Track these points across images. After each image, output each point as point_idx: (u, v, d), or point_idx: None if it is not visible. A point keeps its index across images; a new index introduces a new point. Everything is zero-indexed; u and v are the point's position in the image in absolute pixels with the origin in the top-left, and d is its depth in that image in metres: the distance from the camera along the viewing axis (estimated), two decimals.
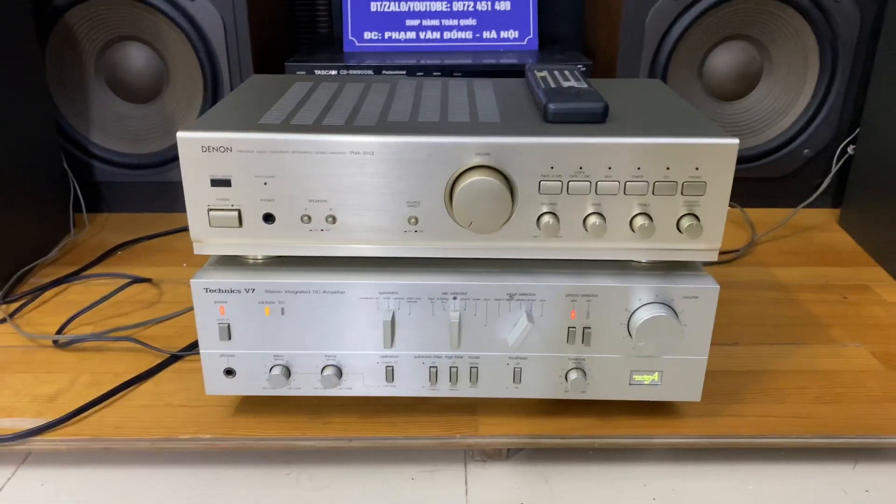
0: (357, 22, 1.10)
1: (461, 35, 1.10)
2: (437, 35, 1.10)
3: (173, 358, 0.72)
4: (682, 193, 0.56)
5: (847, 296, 0.86)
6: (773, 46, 1.04)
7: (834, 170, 1.05)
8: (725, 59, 1.05)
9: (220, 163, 0.56)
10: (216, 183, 0.57)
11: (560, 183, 0.56)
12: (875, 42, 0.99)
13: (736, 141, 0.55)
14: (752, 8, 1.01)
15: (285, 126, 0.57)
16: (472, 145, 0.55)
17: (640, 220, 0.56)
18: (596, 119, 0.58)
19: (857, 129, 1.02)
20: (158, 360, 0.72)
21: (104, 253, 0.94)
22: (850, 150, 1.03)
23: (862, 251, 0.97)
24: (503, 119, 0.60)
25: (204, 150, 0.56)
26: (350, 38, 1.09)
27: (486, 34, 1.10)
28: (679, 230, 0.57)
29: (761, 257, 0.95)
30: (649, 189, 0.56)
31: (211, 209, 0.57)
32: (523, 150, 0.55)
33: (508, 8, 1.10)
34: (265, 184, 0.56)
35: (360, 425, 0.63)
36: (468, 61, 1.02)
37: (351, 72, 1.00)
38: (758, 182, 1.09)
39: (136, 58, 1.03)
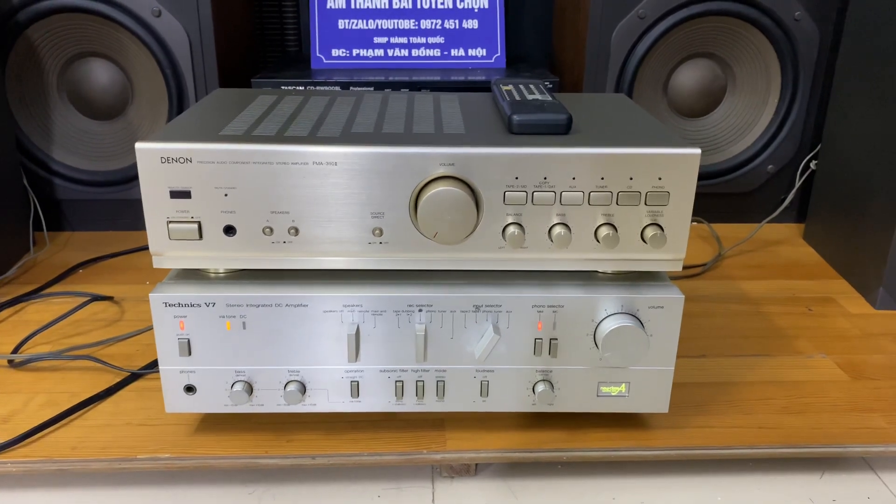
0: (325, 39, 1.09)
1: (429, 52, 1.10)
2: (405, 52, 1.10)
3: (133, 376, 0.70)
4: (645, 203, 0.56)
5: (812, 308, 0.86)
6: (737, 64, 1.06)
7: (798, 184, 1.06)
8: (690, 77, 1.07)
9: (179, 174, 0.55)
10: (175, 195, 0.55)
11: (525, 193, 0.56)
12: (834, 59, 1.02)
13: (698, 151, 0.56)
14: (715, 26, 1.03)
15: (247, 137, 0.56)
16: (437, 155, 0.55)
17: (604, 230, 0.56)
18: (559, 130, 0.59)
19: (819, 145, 1.03)
20: (118, 379, 0.70)
21: (64, 271, 0.92)
22: (812, 164, 1.05)
23: (826, 264, 0.98)
24: (468, 130, 0.60)
25: (163, 160, 0.55)
26: (318, 55, 1.09)
27: (454, 52, 1.11)
28: (643, 240, 0.57)
29: (728, 271, 0.96)
30: (613, 199, 0.56)
31: (170, 221, 0.56)
32: (488, 160, 0.55)
33: (476, 26, 1.11)
34: (226, 195, 0.55)
35: (325, 442, 0.62)
36: (436, 78, 1.03)
37: (318, 88, 1.00)
38: (723, 197, 1.10)
39: (99, 74, 1.02)
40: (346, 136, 0.57)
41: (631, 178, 0.56)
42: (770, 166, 1.08)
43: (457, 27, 1.10)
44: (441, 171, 0.55)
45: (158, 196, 0.55)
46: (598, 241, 0.57)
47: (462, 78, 1.04)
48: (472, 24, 1.11)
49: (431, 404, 0.61)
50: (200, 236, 0.56)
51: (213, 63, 0.98)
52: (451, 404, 0.61)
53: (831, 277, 0.95)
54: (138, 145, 0.54)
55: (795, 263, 0.99)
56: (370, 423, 0.64)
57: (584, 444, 0.62)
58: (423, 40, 1.10)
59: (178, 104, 1.00)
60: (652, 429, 0.64)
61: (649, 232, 0.57)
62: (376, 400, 0.61)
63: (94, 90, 1.02)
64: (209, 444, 0.61)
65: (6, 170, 0.95)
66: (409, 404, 0.61)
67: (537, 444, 0.62)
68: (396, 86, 1.01)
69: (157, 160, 0.54)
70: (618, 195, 0.56)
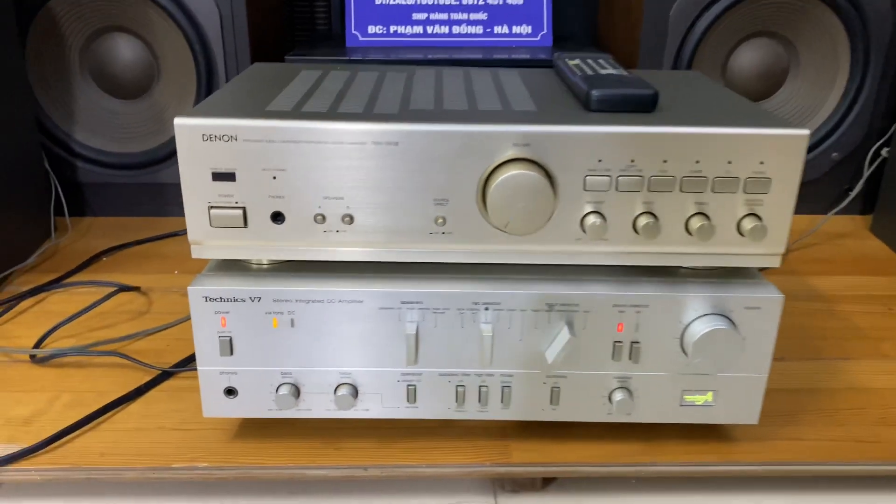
0: (361, 15, 1.03)
1: (471, 30, 1.04)
2: (445, 29, 1.04)
3: (164, 374, 0.65)
4: (744, 191, 0.50)
5: (892, 307, 0.80)
6: (801, 44, 0.99)
7: (866, 174, 0.99)
8: (750, 57, 1.00)
9: (223, 154, 0.49)
10: (219, 177, 0.50)
11: (608, 178, 0.50)
12: None
13: (806, 132, 0.49)
14: (779, 3, 0.96)
15: (297, 113, 0.50)
16: (510, 135, 0.49)
17: (697, 221, 0.50)
18: (645, 108, 0.52)
19: (891, 131, 0.96)
20: (148, 377, 0.64)
21: (88, 259, 0.86)
22: (883, 152, 0.98)
23: None
24: (540, 108, 0.53)
25: (205, 138, 0.49)
26: (353, 32, 1.03)
27: (497, 29, 1.04)
28: (740, 232, 0.51)
29: (793, 265, 0.89)
30: (708, 186, 0.50)
31: (212, 207, 0.50)
32: (568, 140, 0.49)
33: (521, 2, 1.04)
34: (274, 178, 0.50)
35: (377, 451, 0.56)
36: (478, 56, 0.96)
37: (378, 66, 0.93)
38: None
39: (123, 50, 0.96)
40: (407, 113, 0.51)
41: (729, 162, 0.49)
42: (834, 154, 1.01)
43: (501, 2, 1.04)
44: (513, 153, 0.49)
45: (199, 178, 0.50)
46: (689, 232, 0.51)
47: (505, 56, 0.97)
48: None
49: (496, 412, 0.55)
50: (245, 223, 0.51)
51: (244, 39, 0.92)
52: (518, 412, 0.55)
53: None
54: (178, 120, 0.48)
55: (865, 258, 0.92)
56: (426, 430, 0.58)
57: (664, 457, 0.56)
58: (464, 16, 1.04)
59: (207, 83, 0.94)
60: (737, 441, 0.58)
61: (748, 223, 0.50)
62: (435, 406, 0.55)
63: (119, 67, 0.96)
64: (251, 452, 0.56)
65: (26, 151, 0.89)
66: (471, 411, 0.55)
67: (611, 458, 0.56)
68: (437, 64, 0.94)
69: (198, 137, 0.49)
70: (713, 181, 0.50)
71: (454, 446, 0.57)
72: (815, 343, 0.72)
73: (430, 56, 0.96)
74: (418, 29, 1.04)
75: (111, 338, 0.70)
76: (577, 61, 0.63)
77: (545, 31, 1.04)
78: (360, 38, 1.03)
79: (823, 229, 0.99)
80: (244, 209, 0.50)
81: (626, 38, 1.02)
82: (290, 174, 0.49)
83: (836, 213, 1.00)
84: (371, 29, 1.03)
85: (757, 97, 1.02)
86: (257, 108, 0.51)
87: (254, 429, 0.58)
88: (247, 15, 0.91)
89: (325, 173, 0.49)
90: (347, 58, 0.95)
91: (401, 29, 1.03)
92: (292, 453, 0.56)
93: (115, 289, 0.79)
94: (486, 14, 1.04)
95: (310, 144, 0.49)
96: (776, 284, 0.53)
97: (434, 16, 1.04)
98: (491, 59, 0.96)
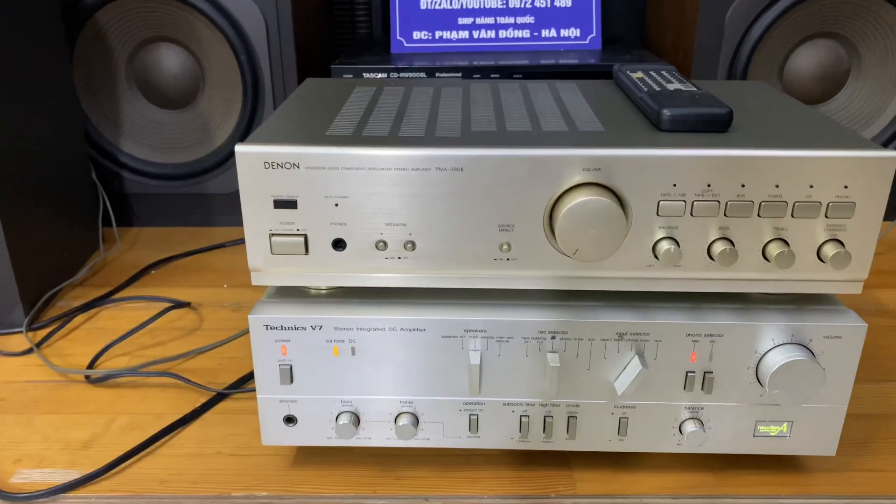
0: (406, 21, 1.02)
1: (518, 34, 1.02)
2: (491, 34, 1.02)
3: (219, 396, 0.64)
4: (826, 216, 0.48)
5: None
6: (863, 44, 0.95)
7: None
8: (810, 59, 0.96)
9: (285, 181, 0.48)
10: (280, 204, 0.49)
11: (683, 203, 0.47)
12: None
13: (895, 154, 0.47)
14: (841, 3, 0.92)
15: (359, 138, 0.49)
16: (580, 159, 0.47)
17: (776, 247, 0.48)
18: (720, 127, 0.50)
19: None
20: (202, 399, 0.64)
21: (137, 273, 0.86)
22: None
23: None
24: (607, 128, 0.51)
25: (267, 166, 0.48)
26: (398, 38, 1.01)
27: (544, 32, 1.02)
28: (821, 259, 0.48)
29: None
30: (788, 210, 0.47)
31: (273, 234, 0.49)
32: (641, 163, 0.47)
33: (569, 4, 1.01)
34: (336, 205, 0.48)
35: (438, 481, 0.55)
36: (526, 62, 0.94)
37: (401, 74, 0.92)
38: None
39: (169, 60, 0.95)
40: (469, 137, 0.49)
41: (811, 186, 0.47)
42: None
43: (548, 5, 1.01)
44: (583, 178, 0.47)
45: (261, 206, 0.48)
46: (767, 259, 0.48)
47: (553, 61, 0.95)
48: (564, 1, 1.01)
49: (560, 442, 0.54)
50: (307, 251, 0.50)
51: (290, 48, 0.91)
52: (583, 443, 0.54)
53: None
54: (239, 148, 0.47)
55: None
56: (486, 458, 0.57)
57: (736, 489, 0.54)
58: (511, 20, 1.02)
59: (252, 92, 0.93)
60: (812, 472, 0.56)
61: (829, 249, 0.48)
62: (497, 436, 0.54)
63: (164, 77, 0.96)
64: (311, 481, 0.55)
65: (75, 163, 0.89)
66: (535, 441, 0.54)
67: (680, 489, 0.54)
68: (484, 71, 0.93)
69: (259, 165, 0.48)
70: (794, 206, 0.47)
71: (516, 476, 0.55)
72: (887, 363, 0.69)
73: (476, 62, 0.94)
74: (464, 34, 1.02)
75: (164, 357, 0.70)
76: (640, 74, 0.61)
77: (594, 34, 1.02)
78: (406, 45, 1.02)
79: (888, 238, 0.96)
80: (305, 236, 0.49)
81: (679, 40, 0.99)
82: (352, 201, 0.48)
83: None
84: (416, 35, 1.02)
85: (815, 101, 0.98)
86: (318, 133, 0.50)
87: (311, 455, 0.57)
88: (293, 22, 0.90)
89: (387, 199, 0.48)
90: (394, 65, 0.94)
91: (446, 34, 1.02)
92: (351, 482, 0.55)
93: (170, 306, 0.78)
94: (532, 17, 1.02)
95: (372, 171, 0.47)
96: (842, 298, 0.51)
97: (480, 20, 1.02)
98: (539, 65, 0.94)
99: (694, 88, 0.55)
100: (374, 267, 0.50)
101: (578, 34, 1.02)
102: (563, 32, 1.02)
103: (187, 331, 0.75)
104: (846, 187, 0.47)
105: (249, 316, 0.51)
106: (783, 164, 0.46)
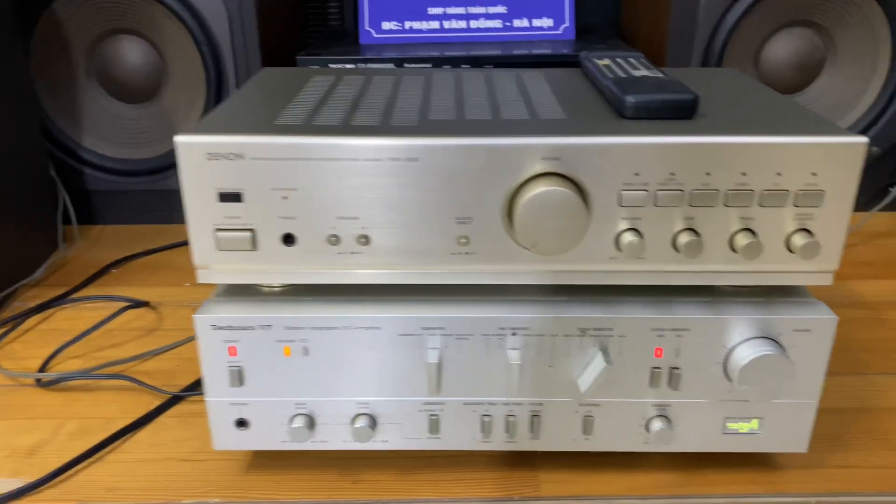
0: (375, 11, 0.99)
1: (489, 24, 1.00)
2: (462, 24, 1.00)
3: (175, 399, 0.62)
4: (794, 205, 0.46)
5: None
6: (839, 33, 0.93)
7: None
8: (785, 48, 0.94)
9: (229, 173, 0.46)
10: (225, 198, 0.46)
11: (646, 193, 0.46)
12: None
13: (865, 140, 0.45)
14: None
15: (309, 127, 0.47)
16: (539, 148, 0.45)
17: (744, 238, 0.46)
18: (685, 114, 0.48)
19: None
20: (158, 402, 0.62)
21: (96, 272, 0.84)
22: None
23: None
24: (569, 116, 0.49)
25: (210, 157, 0.45)
26: (367, 28, 0.99)
27: (516, 22, 1.00)
28: (789, 249, 0.47)
29: None
30: (755, 199, 0.46)
31: (219, 229, 0.47)
32: (602, 152, 0.45)
33: None
34: (284, 198, 0.46)
35: (398, 484, 0.53)
36: (498, 52, 0.92)
37: (370, 65, 0.90)
38: None
39: (131, 53, 0.93)
40: (426, 125, 0.47)
41: (779, 174, 0.45)
42: (874, 148, 0.96)
43: None
44: (542, 167, 0.45)
45: (204, 199, 0.46)
46: (734, 250, 0.47)
47: (525, 52, 0.93)
48: None
49: (524, 442, 0.52)
50: (254, 246, 0.47)
51: (254, 39, 0.89)
52: (548, 442, 0.52)
53: None
54: (179, 139, 0.45)
55: None
56: (449, 459, 0.55)
57: (706, 488, 0.52)
58: (482, 10, 0.99)
59: (216, 85, 0.91)
60: (783, 469, 0.54)
61: (799, 239, 0.46)
62: (459, 437, 0.52)
63: (126, 71, 0.93)
64: (264, 486, 0.53)
65: (32, 159, 0.86)
66: (498, 442, 0.52)
67: (648, 489, 0.52)
68: (454, 61, 0.91)
69: (201, 156, 0.45)
70: (761, 194, 0.46)
71: (479, 478, 0.53)
72: (861, 356, 0.68)
73: (447, 53, 0.92)
74: (434, 24, 1.00)
75: (119, 358, 0.67)
76: (606, 61, 0.59)
77: (567, 23, 1.00)
78: (375, 35, 0.99)
79: (864, 228, 0.94)
80: (253, 231, 0.47)
81: (653, 29, 0.98)
82: (302, 193, 0.46)
83: (878, 211, 0.95)
84: (385, 25, 0.99)
85: (791, 90, 0.97)
86: (265, 122, 0.48)
87: (267, 459, 0.55)
88: (256, 14, 0.88)
89: (338, 192, 0.46)
90: (362, 56, 0.91)
91: (416, 24, 0.99)
92: (308, 486, 0.53)
93: (126, 305, 0.76)
94: (504, 7, 0.99)
95: (322, 162, 0.45)
96: (816, 290, 0.50)
97: (450, 10, 1.00)
98: (511, 55, 0.92)
99: (660, 75, 0.53)
100: (327, 263, 0.48)
101: (551, 24, 1.00)
102: (536, 22, 1.00)
103: (145, 331, 0.73)
104: (815, 175, 0.45)
105: (194, 315, 0.48)
106: (749, 151, 0.45)
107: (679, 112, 0.48)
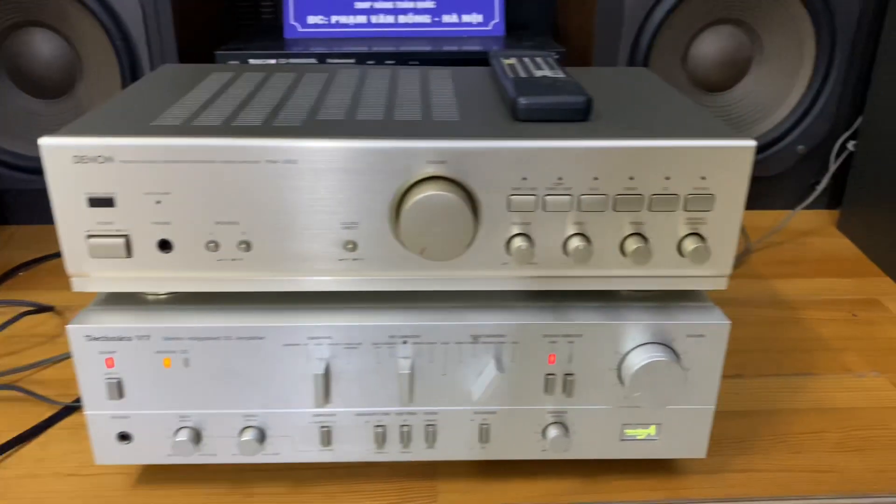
0: (300, 4, 0.97)
1: (418, 19, 0.98)
2: (390, 19, 0.98)
3: (67, 410, 0.59)
4: (684, 209, 0.45)
5: (857, 313, 0.76)
6: (765, 31, 0.94)
7: (832, 168, 0.95)
8: (712, 46, 0.94)
9: (99, 177, 0.43)
10: (96, 203, 0.44)
11: (534, 197, 0.44)
12: (879, 25, 0.90)
13: (753, 143, 0.44)
14: None
15: (184, 128, 0.45)
16: (424, 151, 0.43)
17: (633, 242, 0.45)
18: (577, 116, 0.47)
19: (858, 122, 0.92)
20: (50, 413, 0.59)
21: (2, 275, 0.80)
22: (849, 145, 0.93)
23: (866, 259, 0.87)
24: (463, 117, 0.48)
25: (77, 160, 0.43)
26: (292, 22, 0.97)
27: (445, 18, 0.98)
28: (681, 254, 0.46)
29: (756, 268, 0.85)
30: (645, 204, 0.45)
31: (91, 235, 0.45)
32: (489, 156, 0.43)
33: None
34: (158, 202, 0.44)
35: (292, 497, 0.51)
36: (426, 48, 0.90)
37: (291, 60, 0.88)
38: None
39: (42, 46, 0.89)
40: (310, 126, 0.45)
41: (668, 178, 0.44)
42: (800, 146, 0.96)
43: None
44: (430, 171, 0.44)
45: (74, 204, 0.44)
46: (624, 255, 0.46)
47: (455, 48, 0.91)
48: None
49: (420, 452, 0.50)
50: (129, 253, 0.45)
51: (170, 33, 0.86)
52: (444, 452, 0.50)
53: (874, 275, 0.84)
54: (42, 141, 0.43)
55: (831, 258, 0.88)
56: (346, 470, 0.53)
57: (604, 496, 0.52)
58: (411, 4, 0.98)
59: (132, 80, 0.87)
60: (684, 475, 0.54)
61: (689, 244, 0.45)
62: (352, 448, 0.50)
63: (37, 65, 0.89)
64: (152, 501, 0.51)
65: None
66: (393, 453, 0.50)
67: (547, 497, 0.52)
68: (380, 57, 0.89)
69: (68, 160, 0.43)
70: (650, 199, 0.45)
71: (376, 489, 0.52)
72: (776, 357, 0.68)
73: (374, 48, 0.90)
74: (362, 19, 0.97)
75: (14, 367, 0.64)
76: (512, 60, 0.58)
77: (497, 19, 0.99)
78: (300, 29, 0.97)
79: (789, 226, 0.95)
80: (127, 237, 0.45)
81: (581, 28, 0.97)
82: (176, 197, 0.44)
83: (803, 209, 0.96)
84: (311, 19, 0.97)
85: (719, 88, 0.97)
86: (140, 123, 0.45)
87: (157, 473, 0.53)
88: (171, 7, 0.85)
89: (215, 196, 0.44)
90: (284, 51, 0.89)
91: (343, 19, 0.97)
92: (199, 500, 0.51)
93: (24, 311, 0.73)
94: (433, 2, 0.98)
95: (197, 164, 0.43)
96: (738, 290, 0.49)
97: (378, 4, 0.98)
98: (441, 51, 0.90)
99: (562, 75, 0.52)
100: (207, 270, 0.46)
101: (481, 20, 0.99)
102: (465, 18, 0.99)
103: (47, 338, 0.70)
104: (704, 178, 0.45)
105: (68, 326, 0.46)
106: (635, 154, 0.44)
107: (572, 114, 0.47)
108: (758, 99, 0.97)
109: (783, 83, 0.96)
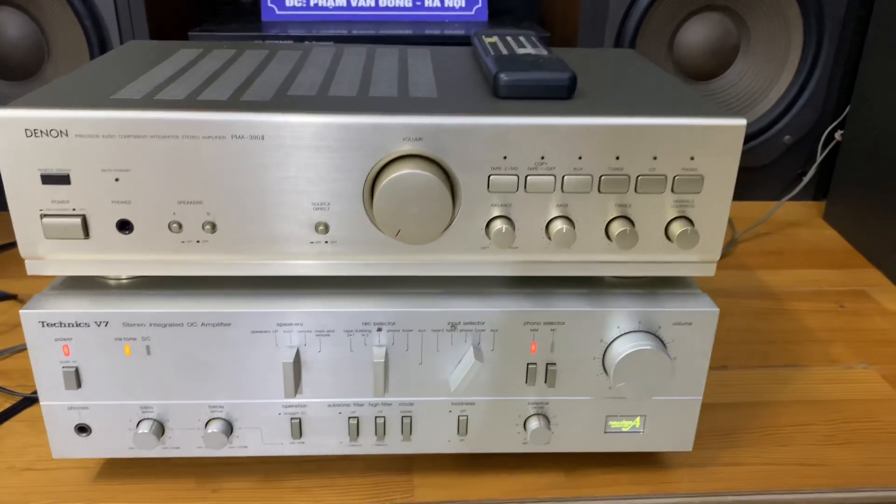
0: None
1: (399, 2, 0.95)
2: (371, 2, 0.95)
3: (27, 401, 0.57)
4: (672, 191, 0.43)
5: (844, 304, 0.74)
6: (752, 19, 0.92)
7: (819, 158, 0.93)
8: (699, 33, 0.93)
9: (53, 152, 0.41)
10: (49, 179, 0.41)
11: (515, 177, 0.42)
12: (867, 14, 0.88)
13: (743, 122, 0.42)
14: None
15: (145, 101, 0.42)
16: (399, 127, 0.41)
17: (618, 225, 0.43)
18: (560, 93, 0.45)
19: (846, 112, 0.91)
20: (8, 404, 0.56)
21: None
22: (837, 135, 0.92)
23: (853, 250, 0.86)
24: (441, 94, 0.46)
25: (29, 133, 0.40)
26: (269, 5, 0.94)
27: (427, 2, 0.96)
28: (668, 238, 0.44)
29: (743, 259, 0.84)
30: (631, 185, 0.43)
31: (45, 215, 0.42)
32: (467, 133, 0.41)
33: None
34: (117, 180, 0.41)
35: (261, 492, 0.49)
36: (408, 32, 0.88)
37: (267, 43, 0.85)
38: None
39: (8, 26, 0.86)
40: (279, 101, 0.43)
41: (654, 158, 0.42)
42: (787, 137, 0.95)
43: None
44: (405, 149, 0.42)
45: (26, 181, 0.41)
46: (609, 239, 0.44)
47: (437, 32, 0.89)
48: None
49: (395, 445, 0.48)
50: (86, 234, 0.43)
51: (141, 13, 0.83)
52: (421, 445, 0.48)
53: (860, 266, 0.82)
54: None
55: (818, 249, 0.87)
56: (319, 464, 0.51)
57: (587, 490, 0.50)
58: None
59: None
60: (669, 468, 0.52)
61: (677, 227, 0.43)
62: (325, 441, 0.48)
63: (4, 45, 0.86)
64: (113, 496, 0.48)
65: None
66: (367, 445, 0.48)
67: (528, 492, 0.50)
68: (358, 41, 0.86)
69: (20, 133, 0.40)
70: (637, 180, 0.43)
71: (350, 484, 0.50)
72: (762, 348, 0.66)
73: (354, 32, 0.88)
74: (341, 1, 0.95)
75: None
76: (494, 39, 0.56)
77: (480, 4, 0.96)
78: (277, 12, 0.94)
79: (775, 217, 0.94)
80: (84, 217, 0.42)
81: (566, 14, 0.95)
82: (136, 175, 0.41)
83: (789, 200, 0.95)
84: (289, 1, 0.94)
85: (705, 76, 0.95)
86: (100, 96, 0.43)
87: (118, 467, 0.50)
88: None
89: (178, 174, 0.41)
90: (261, 33, 0.86)
91: (322, 1, 0.95)
92: (161, 496, 0.48)
93: None
94: None
95: (158, 140, 0.41)
96: (724, 281, 0.47)
97: None
98: (422, 35, 0.88)
99: (544, 53, 0.50)
100: (168, 252, 0.43)
101: (463, 4, 0.96)
102: (448, 2, 0.96)
103: (9, 326, 0.67)
104: (692, 159, 0.43)
105: (21, 311, 0.43)
106: (622, 133, 0.42)
107: (555, 91, 0.45)
108: (744, 88, 0.95)
109: (770, 72, 0.94)
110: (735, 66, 0.95)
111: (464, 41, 0.88)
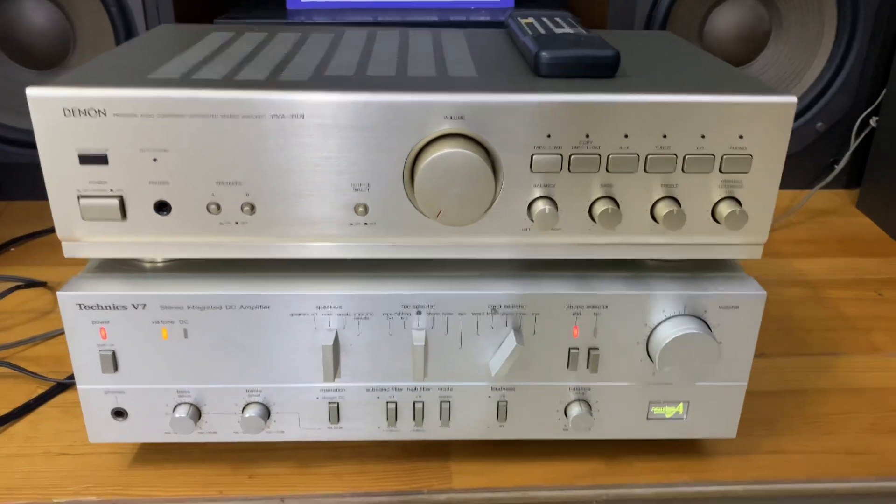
0: None
1: None
2: None
3: (59, 387, 0.56)
4: (720, 170, 0.42)
5: (882, 292, 0.73)
6: (784, 4, 0.90)
7: (853, 145, 0.92)
8: (730, 18, 0.91)
9: (91, 131, 0.40)
10: (87, 160, 0.41)
11: (559, 157, 0.41)
12: None
13: (793, 99, 0.41)
14: None
15: (183, 81, 0.41)
16: (441, 105, 0.40)
17: (665, 206, 0.42)
18: (604, 72, 0.44)
19: (880, 98, 0.89)
20: (41, 390, 0.56)
21: None
22: (872, 122, 0.90)
23: (889, 239, 0.84)
24: (481, 73, 0.45)
25: (67, 113, 0.40)
26: None
27: None
28: (716, 219, 0.43)
29: (775, 247, 0.82)
30: (678, 164, 0.42)
31: (82, 196, 0.42)
32: (510, 111, 0.40)
33: None
34: (155, 160, 0.41)
35: (297, 478, 0.48)
36: (434, 18, 0.87)
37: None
38: None
39: (34, 15, 0.85)
40: (318, 80, 0.42)
41: (703, 137, 0.41)
42: (819, 123, 0.93)
43: None
44: (446, 128, 0.41)
45: (64, 161, 0.41)
46: (655, 220, 0.43)
47: (464, 18, 0.88)
48: None
49: (433, 431, 0.48)
50: (124, 216, 0.42)
51: (168, 1, 0.82)
52: (459, 431, 0.48)
53: None
54: (31, 91, 0.40)
55: (852, 237, 0.85)
56: (355, 450, 0.51)
57: (628, 478, 0.49)
58: None
59: None
60: (712, 456, 0.51)
61: (724, 208, 0.42)
62: (362, 426, 0.47)
63: (30, 34, 0.86)
64: (149, 482, 0.48)
65: None
66: (405, 431, 0.48)
67: (568, 480, 0.49)
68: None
69: (58, 112, 0.40)
70: (684, 159, 0.42)
71: (386, 470, 0.49)
72: (800, 336, 0.65)
73: (379, 19, 0.87)
74: None
75: (5, 343, 0.61)
76: (530, 19, 0.55)
77: None
78: (303, 0, 0.93)
79: (807, 206, 0.92)
80: (121, 198, 0.42)
81: (594, 1, 0.93)
82: (174, 155, 0.41)
83: (821, 188, 0.93)
84: None
85: (736, 62, 0.93)
86: (137, 76, 0.42)
87: (154, 452, 0.50)
88: None
89: (216, 153, 0.41)
90: (286, 21, 0.86)
91: None
92: (197, 482, 0.48)
93: (17, 284, 0.70)
94: None
95: (196, 119, 0.40)
96: (758, 269, 0.46)
97: None
98: (448, 22, 0.87)
99: (583, 32, 0.49)
100: (207, 234, 0.43)
101: None
102: None
103: (39, 313, 0.67)
104: (741, 137, 0.42)
105: (59, 293, 0.43)
106: (669, 110, 0.41)
107: (598, 70, 0.44)
108: (776, 73, 0.94)
109: (803, 57, 0.92)
110: (766, 52, 0.93)
111: (491, 27, 0.86)
